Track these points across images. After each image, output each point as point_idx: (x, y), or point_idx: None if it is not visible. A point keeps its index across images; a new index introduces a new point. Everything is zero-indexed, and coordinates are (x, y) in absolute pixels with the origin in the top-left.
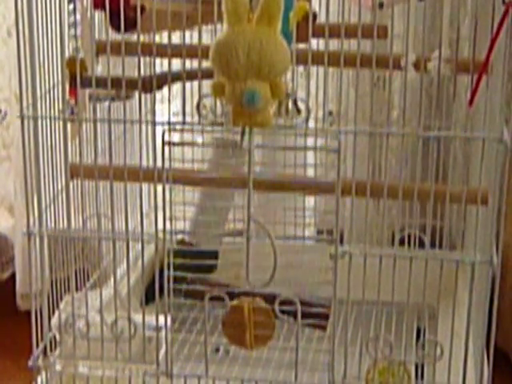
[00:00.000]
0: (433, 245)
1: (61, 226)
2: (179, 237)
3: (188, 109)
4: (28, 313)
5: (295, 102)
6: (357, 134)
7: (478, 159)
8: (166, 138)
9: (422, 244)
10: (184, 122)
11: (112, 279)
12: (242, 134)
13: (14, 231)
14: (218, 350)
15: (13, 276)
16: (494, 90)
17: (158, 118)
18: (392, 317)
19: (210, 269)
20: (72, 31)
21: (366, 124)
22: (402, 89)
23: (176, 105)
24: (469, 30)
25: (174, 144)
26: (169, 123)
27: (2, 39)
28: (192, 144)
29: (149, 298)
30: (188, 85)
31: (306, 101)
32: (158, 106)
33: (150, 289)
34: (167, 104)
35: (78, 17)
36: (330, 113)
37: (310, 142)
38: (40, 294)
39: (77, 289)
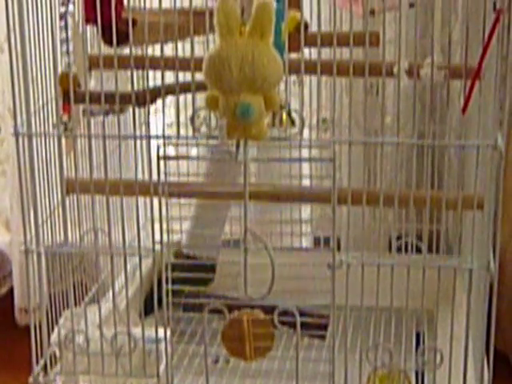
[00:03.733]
0: (429, 249)
1: (58, 241)
2: (175, 248)
3: (182, 119)
4: (27, 327)
5: (289, 113)
6: (351, 144)
7: (472, 165)
8: (161, 152)
9: (418, 248)
10: (179, 136)
11: (110, 293)
12: (237, 146)
13: (11, 246)
14: (217, 360)
15: (11, 290)
16: (487, 95)
17: (152, 130)
18: (391, 323)
19: (207, 281)
20: (64, 47)
21: (360, 131)
22: (395, 95)
23: (170, 116)
24: (460, 35)
25: (170, 158)
26: (164, 137)
27: None
28: (187, 158)
29: (147, 310)
30: (181, 97)
31: (299, 112)
32: (151, 118)
33: (148, 302)
34: (161, 115)
35: (70, 33)
36: (324, 120)
37: (305, 151)
38: (38, 309)
39: (75, 303)
